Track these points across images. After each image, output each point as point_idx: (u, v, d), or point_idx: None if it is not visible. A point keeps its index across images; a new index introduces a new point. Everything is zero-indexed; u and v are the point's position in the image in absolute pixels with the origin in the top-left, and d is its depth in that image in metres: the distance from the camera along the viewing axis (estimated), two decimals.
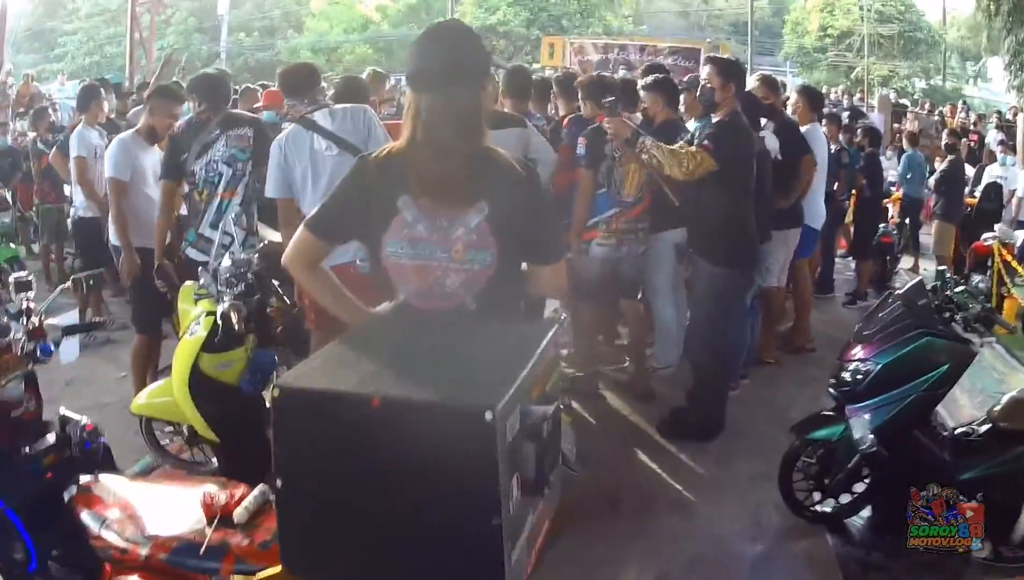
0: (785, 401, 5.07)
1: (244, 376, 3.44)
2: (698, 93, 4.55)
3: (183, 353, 3.49)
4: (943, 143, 10.84)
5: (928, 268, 8.26)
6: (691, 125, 5.08)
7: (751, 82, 5.48)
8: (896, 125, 15.79)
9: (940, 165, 9.79)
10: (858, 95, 21.77)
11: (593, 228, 4.74)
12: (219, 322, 3.34)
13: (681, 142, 4.49)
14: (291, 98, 4.08)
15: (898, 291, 3.80)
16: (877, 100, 18.60)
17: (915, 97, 27.94)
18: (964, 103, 21.71)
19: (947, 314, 3.51)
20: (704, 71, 4.45)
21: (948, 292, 3.61)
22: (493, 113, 4.20)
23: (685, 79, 6.04)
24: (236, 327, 3.28)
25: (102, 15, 32.66)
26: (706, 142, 4.19)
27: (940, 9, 32.03)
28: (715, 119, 4.33)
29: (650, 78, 5.17)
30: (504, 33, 27.58)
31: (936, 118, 17.24)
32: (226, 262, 3.51)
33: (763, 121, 5.21)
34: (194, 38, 32.95)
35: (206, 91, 4.44)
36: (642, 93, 5.09)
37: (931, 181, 9.32)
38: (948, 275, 3.79)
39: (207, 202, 4.28)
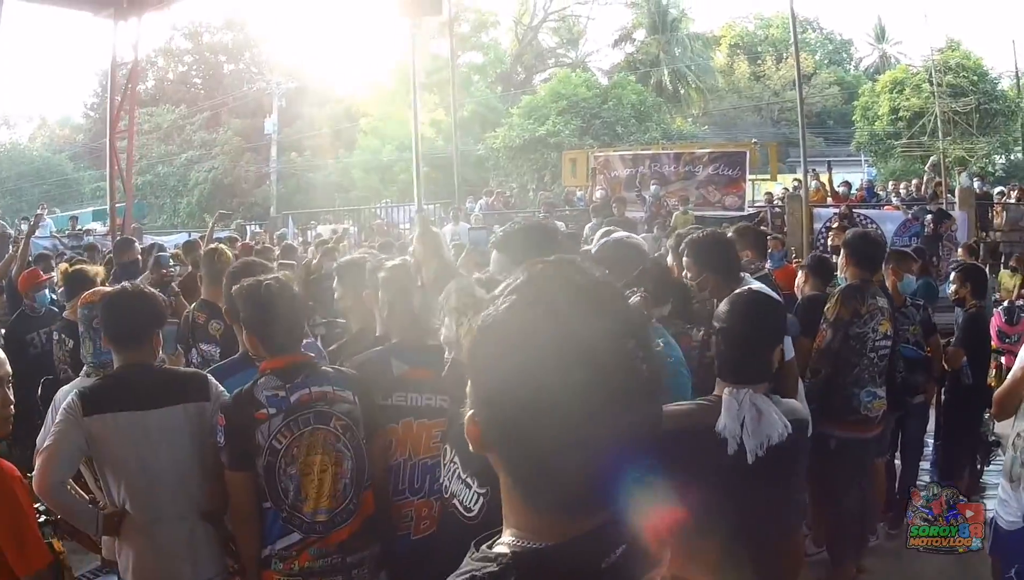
0: None
1: None
2: None
3: None
4: None
5: None
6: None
7: None
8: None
9: None
10: (934, 186, 19.63)
11: (265, 565, 2.77)
12: None
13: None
14: None
15: None
16: (958, 194, 16.51)
17: (997, 174, 25.59)
18: None
19: None
20: None
21: None
22: None
23: None
24: None
25: (154, 132, 32.66)
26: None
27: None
28: None
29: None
30: (555, 145, 25.90)
31: None
32: None
33: None
34: (244, 158, 33.20)
35: None
36: None
37: None
38: None
39: None
